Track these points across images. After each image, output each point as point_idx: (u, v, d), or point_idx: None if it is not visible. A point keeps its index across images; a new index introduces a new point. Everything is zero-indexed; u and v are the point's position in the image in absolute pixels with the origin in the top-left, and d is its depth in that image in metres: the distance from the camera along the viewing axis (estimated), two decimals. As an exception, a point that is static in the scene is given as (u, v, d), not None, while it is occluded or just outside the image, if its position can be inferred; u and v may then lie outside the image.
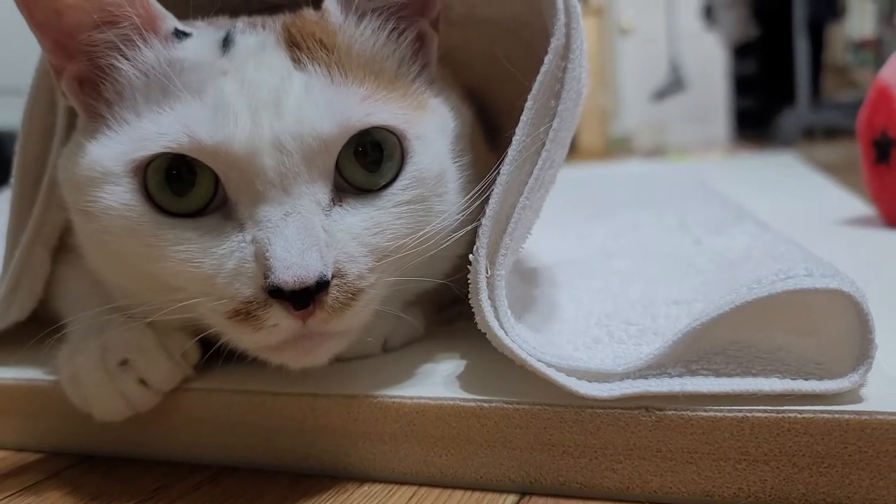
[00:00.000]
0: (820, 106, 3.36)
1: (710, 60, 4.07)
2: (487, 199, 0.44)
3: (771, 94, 3.70)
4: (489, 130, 0.65)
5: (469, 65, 0.64)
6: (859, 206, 0.90)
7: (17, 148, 0.53)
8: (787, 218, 0.95)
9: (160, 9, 0.43)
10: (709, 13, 3.75)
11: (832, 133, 3.24)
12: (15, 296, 0.55)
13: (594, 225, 0.83)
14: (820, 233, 0.84)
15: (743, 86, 4.07)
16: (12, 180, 0.53)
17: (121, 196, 0.41)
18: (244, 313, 0.40)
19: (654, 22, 4.16)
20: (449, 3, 0.54)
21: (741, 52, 3.95)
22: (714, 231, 0.65)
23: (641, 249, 0.66)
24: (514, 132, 0.44)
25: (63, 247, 0.56)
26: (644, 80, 4.27)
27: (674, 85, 4.05)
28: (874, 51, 3.62)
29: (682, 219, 0.73)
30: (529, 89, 0.45)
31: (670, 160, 2.65)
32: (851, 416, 0.36)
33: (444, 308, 0.58)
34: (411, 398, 0.43)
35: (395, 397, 0.44)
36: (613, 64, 4.53)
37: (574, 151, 3.94)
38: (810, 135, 3.35)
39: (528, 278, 0.60)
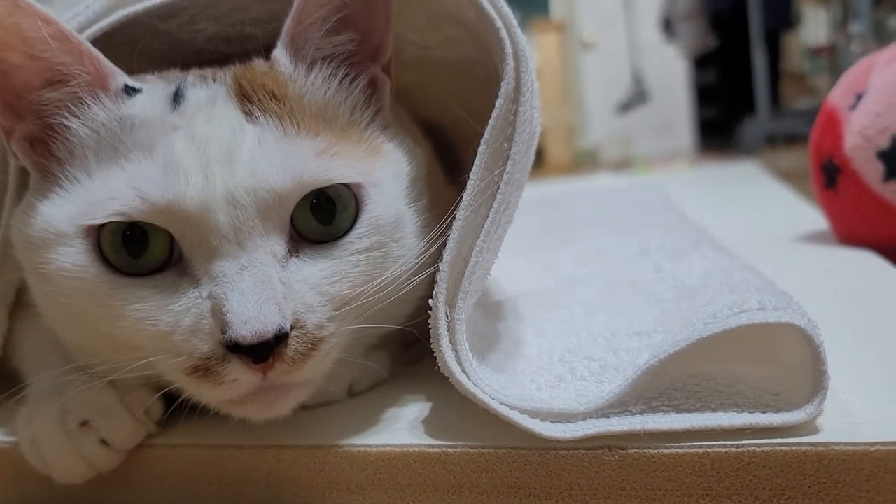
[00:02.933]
0: (780, 114, 3.42)
1: (671, 72, 4.14)
2: (446, 240, 0.44)
3: (732, 103, 3.77)
4: (451, 161, 0.65)
5: (426, 101, 0.64)
6: (816, 219, 0.92)
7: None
8: (746, 234, 0.97)
9: (109, 65, 0.43)
10: (667, 26, 3.82)
11: (793, 140, 3.30)
12: (-27, 355, 0.54)
13: (560, 251, 0.83)
14: (776, 250, 0.85)
15: (704, 96, 4.14)
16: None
17: (74, 258, 0.41)
18: (203, 369, 0.39)
19: (615, 36, 4.22)
20: (402, 46, 0.55)
21: (701, 62, 4.01)
22: (674, 257, 0.66)
23: (604, 278, 0.67)
24: (469, 176, 0.44)
25: (20, 303, 0.55)
26: (608, 94, 4.32)
27: (637, 97, 4.11)
28: (829, 57, 3.71)
29: (644, 245, 0.74)
30: (483, 127, 0.45)
31: (636, 173, 2.69)
32: (808, 448, 0.37)
33: (409, 346, 0.58)
34: (377, 446, 0.43)
35: (360, 446, 0.44)
36: (577, 78, 4.59)
37: (541, 166, 3.99)
38: (772, 142, 3.41)
39: (492, 312, 0.60)
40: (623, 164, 3.61)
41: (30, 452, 0.47)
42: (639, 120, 4.18)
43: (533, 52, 4.25)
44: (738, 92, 3.66)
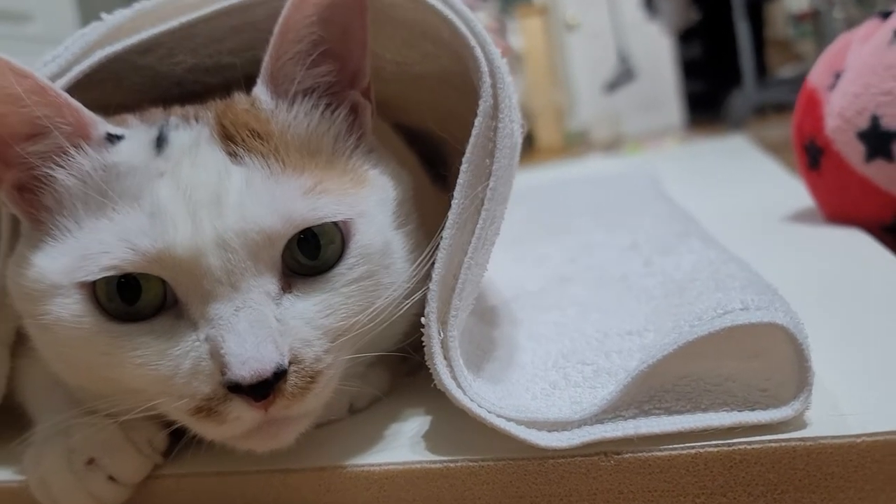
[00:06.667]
0: (767, 84, 3.41)
1: (656, 48, 4.12)
2: (431, 261, 0.45)
3: (719, 76, 3.76)
4: (438, 164, 0.66)
5: (407, 110, 0.65)
6: (803, 195, 0.92)
7: (-35, 253, 0.53)
8: (735, 213, 0.98)
9: (90, 115, 0.44)
10: (649, 4, 3.81)
11: (781, 108, 3.30)
12: (-22, 395, 0.55)
13: (550, 246, 0.84)
14: (765, 230, 0.86)
15: (691, 70, 4.13)
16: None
17: (71, 308, 0.41)
18: (206, 409, 0.40)
19: (598, 16, 4.20)
20: (380, 65, 0.55)
21: (685, 37, 4.00)
22: (663, 250, 0.67)
23: (595, 274, 0.68)
24: (453, 195, 0.45)
25: (20, 340, 0.56)
26: (595, 74, 4.31)
27: (624, 76, 4.10)
28: (812, 22, 3.70)
29: (634, 237, 0.75)
30: (466, 134, 0.46)
31: (627, 153, 2.69)
32: (797, 444, 0.38)
33: (406, 358, 0.59)
34: (380, 465, 0.44)
35: (364, 465, 0.45)
36: (563, 60, 4.58)
37: (533, 150, 4.00)
38: (761, 112, 3.41)
39: (487, 318, 0.61)
40: (614, 144, 3.62)
41: (40, 492, 0.48)
42: (627, 98, 4.18)
43: (518, 36, 4.25)
44: (724, 64, 3.65)
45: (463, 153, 0.45)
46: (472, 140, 0.45)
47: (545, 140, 4.23)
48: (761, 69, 3.55)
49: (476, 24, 0.47)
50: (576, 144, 4.21)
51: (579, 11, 4.42)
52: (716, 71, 3.87)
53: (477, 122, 0.45)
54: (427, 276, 0.46)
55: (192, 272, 0.40)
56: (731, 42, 3.46)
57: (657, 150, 2.61)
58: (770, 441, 0.38)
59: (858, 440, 0.37)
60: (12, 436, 0.53)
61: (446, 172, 0.66)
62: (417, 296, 0.46)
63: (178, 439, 0.49)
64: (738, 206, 1.04)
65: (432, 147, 0.68)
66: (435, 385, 0.44)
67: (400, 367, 0.57)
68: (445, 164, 0.67)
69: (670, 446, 0.40)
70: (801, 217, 0.89)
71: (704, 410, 0.41)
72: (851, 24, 2.35)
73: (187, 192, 0.41)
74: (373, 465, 0.44)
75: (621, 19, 4.05)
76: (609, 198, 1.13)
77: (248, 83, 0.48)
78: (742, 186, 1.26)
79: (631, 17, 4.04)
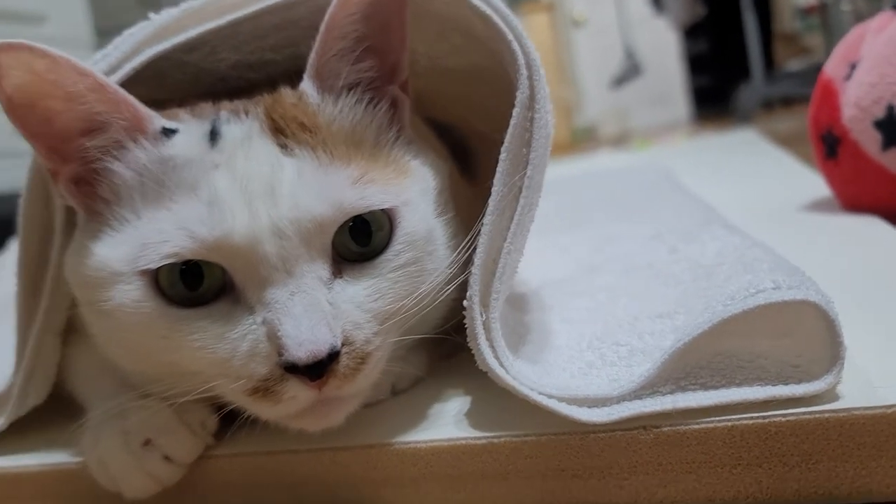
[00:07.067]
0: (775, 77, 3.42)
1: (663, 43, 4.14)
2: (473, 247, 0.47)
3: (726, 70, 3.77)
4: (462, 156, 0.68)
5: (436, 103, 0.67)
6: (819, 186, 0.94)
7: (18, 245, 0.55)
8: (752, 205, 0.99)
9: (145, 109, 0.46)
10: (656, 1, 3.82)
11: (790, 102, 3.30)
12: (31, 384, 0.57)
13: (572, 237, 0.86)
14: (783, 220, 0.88)
15: (698, 65, 4.14)
16: (16, 275, 0.55)
17: (133, 294, 0.43)
18: (263, 390, 0.42)
19: (604, 12, 4.22)
20: (413, 59, 0.57)
21: (692, 31, 4.01)
22: (687, 238, 0.69)
23: (622, 263, 0.70)
24: (493, 182, 0.47)
25: (69, 329, 0.58)
26: (602, 70, 4.33)
27: (631, 71, 4.11)
28: (820, 15, 3.70)
29: (656, 227, 0.77)
30: (492, 126, 0.47)
31: (635, 149, 2.70)
32: (830, 415, 0.40)
33: (443, 341, 0.61)
34: (426, 442, 0.46)
35: (410, 442, 0.46)
36: (570, 57, 4.59)
37: (541, 148, 3.99)
38: (769, 106, 3.41)
39: (518, 305, 0.63)
40: (622, 140, 3.63)
41: (99, 472, 0.50)
42: (634, 93, 4.19)
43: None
44: (732, 58, 3.66)
45: (489, 145, 0.47)
46: (510, 130, 0.47)
47: (553, 137, 4.24)
48: (769, 63, 3.55)
49: (511, 17, 0.48)
50: (584, 140, 4.22)
51: (586, 8, 4.44)
52: (722, 65, 3.88)
53: (515, 112, 0.47)
54: (465, 263, 0.48)
55: (249, 259, 0.42)
56: (737, 36, 3.47)
57: (666, 144, 2.62)
58: (804, 413, 0.40)
59: (890, 410, 0.39)
60: (62, 423, 0.55)
61: (471, 164, 0.68)
62: (457, 282, 0.48)
63: (227, 423, 0.51)
64: (753, 197, 1.06)
65: (456, 140, 0.69)
66: (474, 366, 0.46)
67: (437, 350, 0.59)
68: (468, 156, 0.69)
69: (707, 419, 0.42)
70: (818, 206, 0.90)
71: (739, 385, 0.42)
72: (859, 16, 2.36)
73: (243, 182, 0.43)
74: (419, 442, 0.46)
75: (628, 15, 4.07)
76: (626, 191, 1.15)
77: (289, 79, 0.50)
78: (756, 178, 1.27)
79: (637, 12, 4.05)
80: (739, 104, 3.16)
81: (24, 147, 0.47)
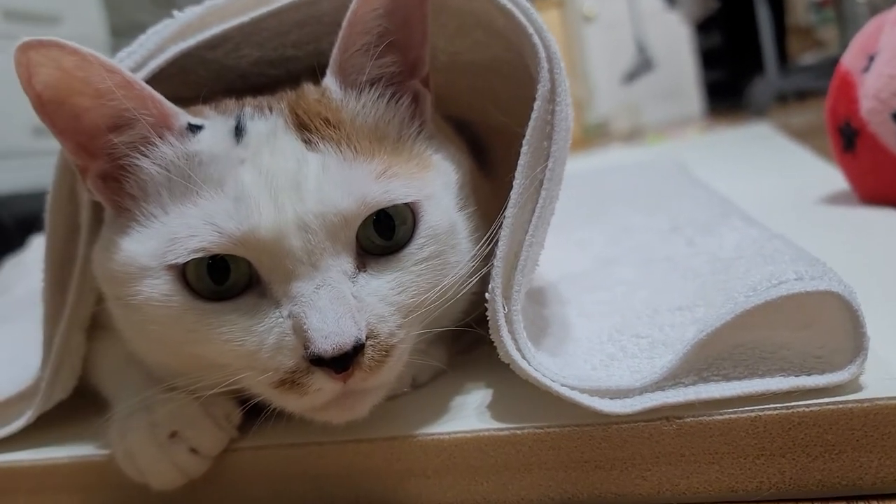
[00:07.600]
0: (788, 71, 3.40)
1: (675, 37, 4.12)
2: (494, 240, 0.47)
3: (739, 64, 3.75)
4: (478, 152, 0.68)
5: (454, 98, 0.67)
6: (836, 179, 0.93)
7: (45, 241, 0.56)
8: (769, 198, 0.99)
9: (171, 106, 0.46)
10: (669, -6, 3.81)
11: (804, 96, 3.28)
12: (58, 378, 0.57)
13: (589, 231, 0.86)
14: (802, 213, 0.88)
15: (710, 59, 4.12)
16: (43, 271, 0.56)
17: (161, 289, 0.44)
18: (289, 382, 0.43)
19: (615, 6, 4.21)
20: (434, 54, 0.57)
21: (705, 25, 4.00)
22: (705, 231, 0.69)
23: (639, 256, 0.70)
24: (514, 176, 0.47)
25: (93, 325, 0.59)
26: (613, 65, 4.32)
27: (643, 66, 4.10)
28: (834, 8, 3.67)
29: (673, 220, 0.77)
30: (511, 119, 0.47)
31: (649, 144, 2.70)
32: (854, 405, 0.40)
33: (461, 335, 0.61)
34: (449, 433, 0.47)
35: (433, 434, 0.47)
36: (581, 52, 4.58)
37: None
38: (783, 100, 3.39)
39: (537, 298, 0.63)
40: (634, 135, 3.61)
41: (126, 464, 0.50)
42: (646, 88, 4.18)
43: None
44: (745, 52, 3.64)
45: (507, 141, 0.47)
46: (531, 123, 0.47)
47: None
48: (783, 56, 3.53)
49: (532, 12, 0.49)
50: (596, 136, 4.21)
51: (596, 2, 4.42)
52: (735, 59, 3.86)
53: (536, 105, 0.47)
54: (486, 257, 0.48)
55: (275, 252, 0.43)
56: (750, 30, 3.45)
57: (679, 139, 2.61)
58: (827, 403, 0.40)
59: (913, 401, 0.39)
60: (87, 417, 0.56)
61: (486, 161, 0.69)
62: (479, 275, 0.48)
63: (251, 417, 0.51)
64: (770, 190, 1.05)
65: (472, 137, 0.70)
66: (495, 359, 0.46)
67: (455, 344, 0.59)
68: (483, 152, 0.69)
69: (730, 410, 0.42)
70: (836, 199, 0.90)
71: (762, 376, 0.42)
72: (875, 8, 2.34)
73: (269, 177, 0.43)
74: (442, 434, 0.47)
75: (639, 9, 4.05)
76: (642, 185, 1.15)
77: (310, 75, 0.51)
78: (772, 172, 1.27)
79: (649, 6, 4.04)
80: (753, 98, 3.14)
81: (40, 147, 0.47)
